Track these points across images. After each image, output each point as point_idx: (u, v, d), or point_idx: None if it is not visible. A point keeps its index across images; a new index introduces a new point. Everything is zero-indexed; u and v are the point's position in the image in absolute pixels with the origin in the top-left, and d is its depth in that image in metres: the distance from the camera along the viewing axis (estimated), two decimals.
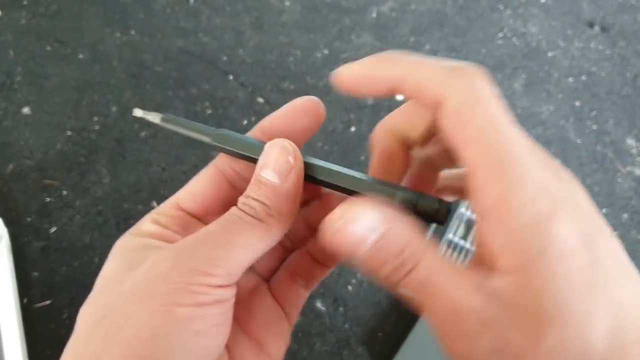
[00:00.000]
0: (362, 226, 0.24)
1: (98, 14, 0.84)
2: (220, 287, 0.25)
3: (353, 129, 0.80)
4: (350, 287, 0.70)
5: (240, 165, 0.29)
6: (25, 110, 0.77)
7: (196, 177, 0.29)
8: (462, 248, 0.72)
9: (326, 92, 0.82)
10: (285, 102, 0.81)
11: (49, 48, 0.81)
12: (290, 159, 0.26)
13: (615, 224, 0.76)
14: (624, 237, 0.75)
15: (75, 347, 0.25)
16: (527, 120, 0.82)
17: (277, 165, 0.26)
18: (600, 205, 0.77)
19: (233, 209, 0.26)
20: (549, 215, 0.21)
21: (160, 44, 0.83)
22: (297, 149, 0.27)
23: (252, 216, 0.26)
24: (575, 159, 0.80)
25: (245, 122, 0.78)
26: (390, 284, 0.25)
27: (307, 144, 0.71)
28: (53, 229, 0.70)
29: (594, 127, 0.83)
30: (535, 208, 0.21)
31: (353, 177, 0.27)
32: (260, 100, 0.80)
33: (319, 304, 0.68)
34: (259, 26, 0.86)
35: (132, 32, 0.83)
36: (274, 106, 0.80)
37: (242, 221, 0.26)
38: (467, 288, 0.22)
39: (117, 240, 0.27)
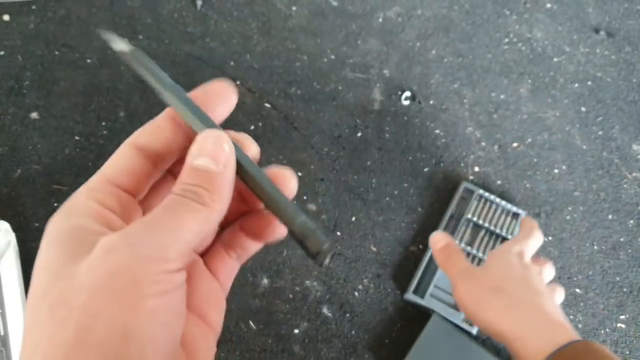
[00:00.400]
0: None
1: (106, 19, 0.85)
2: (178, 271, 0.25)
3: (359, 134, 0.80)
4: (356, 293, 0.70)
5: (160, 137, 0.30)
6: (34, 115, 0.77)
7: (114, 155, 0.29)
8: (468, 254, 0.72)
9: (332, 97, 0.83)
10: (292, 107, 0.81)
11: (57, 53, 0.81)
12: (226, 147, 0.28)
13: (622, 231, 0.76)
14: (630, 244, 0.75)
15: (37, 348, 0.24)
16: (532, 125, 0.83)
17: (215, 153, 0.28)
18: (606, 211, 0.77)
19: (173, 195, 0.27)
20: None
21: (168, 49, 0.83)
22: (229, 138, 0.28)
23: (195, 201, 0.26)
24: (581, 165, 0.80)
25: (252, 127, 0.79)
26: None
27: (315, 149, 0.71)
28: None
29: (600, 132, 0.83)
30: None
31: (263, 189, 0.29)
32: (267, 105, 0.80)
33: (325, 310, 0.69)
34: (266, 31, 0.87)
35: (140, 37, 0.84)
36: (280, 111, 0.80)
37: (186, 206, 0.26)
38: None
39: (50, 221, 0.27)
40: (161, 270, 0.24)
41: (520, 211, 0.74)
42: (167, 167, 0.32)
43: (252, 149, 0.31)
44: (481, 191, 0.75)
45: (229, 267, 0.32)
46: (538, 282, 0.55)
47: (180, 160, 0.30)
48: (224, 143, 0.28)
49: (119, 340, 0.23)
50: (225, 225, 0.33)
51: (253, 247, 0.32)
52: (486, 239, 0.74)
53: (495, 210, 0.75)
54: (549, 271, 0.58)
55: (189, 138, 0.30)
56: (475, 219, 0.74)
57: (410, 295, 0.69)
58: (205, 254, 0.32)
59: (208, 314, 0.29)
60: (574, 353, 0.46)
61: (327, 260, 0.29)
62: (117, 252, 0.24)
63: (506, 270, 0.56)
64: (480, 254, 0.72)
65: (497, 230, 0.73)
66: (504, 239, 0.73)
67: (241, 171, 0.29)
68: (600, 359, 0.45)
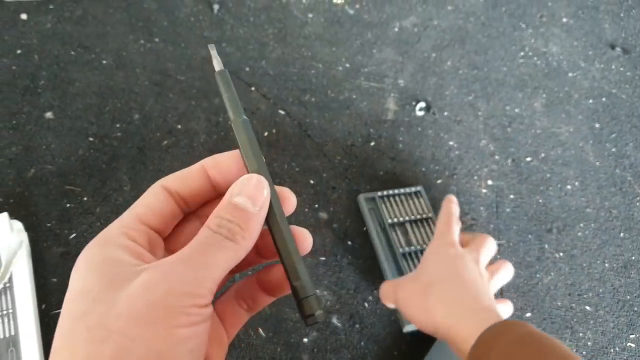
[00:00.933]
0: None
1: (122, 20, 0.85)
2: (206, 306, 0.28)
3: (372, 143, 0.80)
4: (366, 304, 0.70)
5: (190, 185, 0.33)
6: (49, 114, 0.77)
7: (146, 193, 0.32)
8: (410, 253, 0.72)
9: (346, 106, 0.83)
10: (306, 114, 0.82)
11: (73, 53, 0.81)
12: (265, 192, 0.31)
13: (633, 249, 0.76)
14: None
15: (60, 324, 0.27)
16: (546, 140, 0.82)
17: (255, 195, 0.31)
18: (618, 229, 0.77)
19: (207, 230, 0.30)
20: None
21: (184, 52, 0.83)
22: (269, 184, 0.32)
23: (228, 238, 0.29)
24: (594, 182, 0.80)
25: (266, 133, 0.79)
26: None
27: (328, 157, 0.71)
28: (73, 235, 0.70)
29: (614, 149, 0.83)
30: None
31: (283, 241, 0.32)
32: (282, 112, 0.80)
33: (335, 320, 0.69)
34: (282, 38, 0.87)
35: (156, 39, 0.84)
36: (294, 118, 0.80)
37: (218, 243, 0.29)
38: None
39: (85, 250, 0.29)
40: (192, 304, 0.27)
41: (418, 188, 0.76)
42: (191, 210, 0.35)
43: (291, 200, 0.34)
44: (379, 193, 0.75)
45: (238, 316, 0.35)
46: (470, 270, 0.58)
47: (205, 204, 0.35)
48: (264, 188, 0.31)
49: None
50: (235, 270, 0.36)
51: (264, 300, 0.35)
52: (416, 229, 0.74)
53: (403, 201, 0.75)
54: (502, 274, 0.61)
55: (216, 190, 0.34)
56: (395, 219, 0.74)
57: (410, 327, 0.69)
58: (217, 301, 0.35)
59: (211, 357, 0.32)
60: (494, 333, 0.49)
61: (315, 322, 0.32)
62: (156, 286, 0.27)
63: (437, 264, 0.60)
64: (420, 246, 0.73)
65: (419, 216, 0.75)
66: (428, 219, 0.75)
67: (270, 219, 0.32)
68: (519, 335, 0.47)
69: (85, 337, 0.26)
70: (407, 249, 0.72)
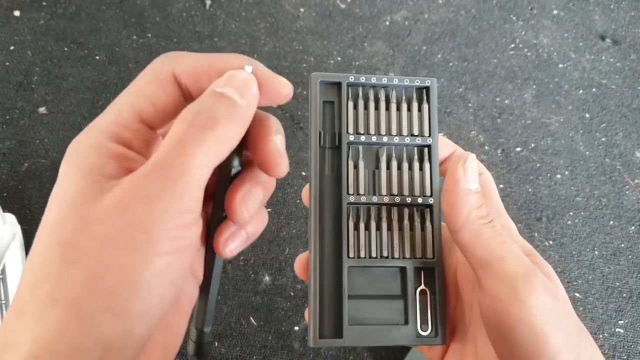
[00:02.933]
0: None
1: (115, 16, 0.86)
2: (193, 223, 0.25)
3: None
4: None
5: (199, 68, 0.28)
6: (42, 109, 0.78)
7: (150, 76, 0.28)
8: None
9: None
10: (298, 107, 0.82)
11: (66, 49, 0.82)
12: (255, 88, 0.27)
13: (622, 237, 0.76)
14: (631, 250, 0.76)
15: (44, 282, 0.23)
16: (536, 131, 0.83)
17: (243, 88, 0.27)
18: (607, 217, 0.78)
19: (182, 122, 0.25)
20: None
21: (176, 47, 0.84)
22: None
23: (207, 128, 0.25)
24: (584, 171, 0.81)
25: None
26: (474, 227, 0.33)
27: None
28: None
29: (603, 139, 0.83)
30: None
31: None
32: (273, 105, 0.81)
33: None
34: (274, 32, 0.87)
35: (149, 35, 0.85)
36: (286, 111, 0.81)
37: (195, 136, 0.25)
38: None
39: (75, 143, 0.26)
40: (177, 224, 0.24)
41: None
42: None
43: (284, 90, 0.29)
44: None
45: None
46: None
47: None
48: (254, 83, 0.27)
49: (128, 294, 0.23)
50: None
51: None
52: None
53: None
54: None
55: None
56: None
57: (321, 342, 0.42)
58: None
59: (197, 269, 0.30)
60: None
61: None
62: (131, 204, 0.23)
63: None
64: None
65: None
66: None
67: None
68: None
69: (56, 254, 0.24)
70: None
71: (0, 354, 0.24)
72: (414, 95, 0.42)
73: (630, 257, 0.75)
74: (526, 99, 0.86)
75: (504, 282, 0.32)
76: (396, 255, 0.40)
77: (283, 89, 0.30)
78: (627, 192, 0.80)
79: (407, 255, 0.41)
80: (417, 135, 0.42)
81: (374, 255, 0.40)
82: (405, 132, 0.42)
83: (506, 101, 0.85)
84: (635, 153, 0.82)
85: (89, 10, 0.86)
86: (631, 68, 0.90)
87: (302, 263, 0.41)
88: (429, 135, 0.42)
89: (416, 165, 0.42)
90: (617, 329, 0.71)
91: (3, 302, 0.63)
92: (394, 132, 0.42)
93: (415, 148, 0.42)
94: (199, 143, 0.25)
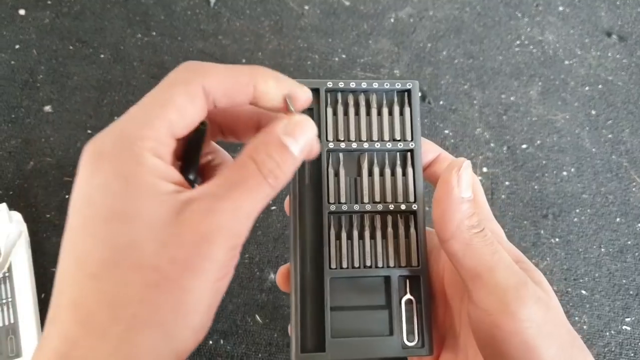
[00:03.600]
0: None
1: (120, 15, 0.86)
2: (240, 247, 0.28)
3: None
4: None
5: (227, 89, 0.30)
6: (47, 108, 0.78)
7: (181, 88, 0.28)
8: None
9: None
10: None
11: (71, 47, 0.82)
12: (316, 147, 0.31)
13: (629, 234, 0.76)
14: (637, 247, 0.75)
15: (127, 305, 0.25)
16: (542, 127, 0.83)
17: (306, 142, 0.29)
18: (614, 214, 0.77)
19: (251, 164, 0.28)
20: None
21: (181, 45, 0.84)
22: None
23: (267, 178, 0.28)
24: (590, 168, 0.80)
25: None
26: (464, 236, 0.32)
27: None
28: None
29: (610, 136, 0.83)
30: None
31: None
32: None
33: None
34: (278, 30, 0.87)
35: (153, 33, 0.85)
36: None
37: (259, 181, 0.28)
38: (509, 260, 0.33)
39: (120, 161, 0.27)
40: (234, 255, 0.28)
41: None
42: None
43: (303, 97, 0.33)
44: None
45: None
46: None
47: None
48: (314, 140, 0.31)
49: (201, 314, 0.27)
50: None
51: None
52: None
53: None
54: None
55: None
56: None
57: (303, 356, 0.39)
58: None
59: None
60: None
61: None
62: (209, 236, 0.26)
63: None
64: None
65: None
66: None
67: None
68: None
69: (138, 278, 0.25)
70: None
71: None
72: (395, 99, 0.42)
73: (637, 254, 0.75)
74: (532, 96, 0.85)
75: (495, 294, 0.31)
76: (380, 264, 0.39)
77: (307, 98, 0.33)
78: (633, 189, 0.79)
79: (392, 264, 0.39)
80: (399, 140, 0.41)
81: (356, 265, 0.39)
82: (386, 137, 0.41)
83: (512, 98, 0.85)
84: None
85: (94, 9, 0.86)
86: (637, 65, 0.89)
87: (284, 275, 0.41)
88: (411, 140, 0.41)
89: (399, 170, 0.41)
90: (624, 327, 0.71)
91: (10, 300, 0.63)
92: (375, 137, 0.41)
93: (398, 153, 0.41)
94: (260, 187, 0.28)
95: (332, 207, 0.39)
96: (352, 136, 0.40)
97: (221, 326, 0.67)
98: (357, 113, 0.41)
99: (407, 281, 0.39)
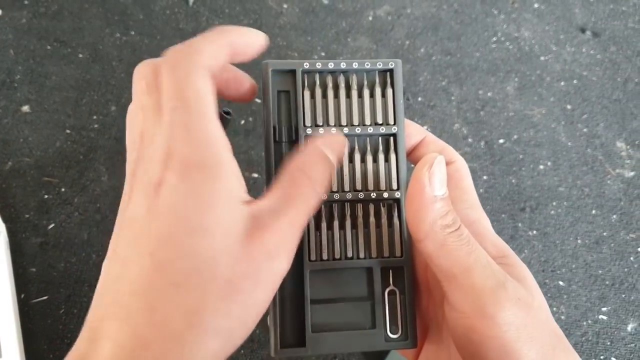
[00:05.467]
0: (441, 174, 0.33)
1: (98, 14, 0.85)
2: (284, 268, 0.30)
3: None
4: None
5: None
6: (25, 108, 0.78)
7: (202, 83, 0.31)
8: None
9: None
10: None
11: (49, 47, 0.82)
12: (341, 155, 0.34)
13: (605, 225, 0.77)
14: (613, 238, 0.77)
15: (203, 312, 0.26)
16: (519, 122, 0.84)
17: (340, 154, 0.32)
18: (589, 206, 0.79)
19: (302, 182, 0.30)
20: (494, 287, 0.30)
21: (160, 44, 0.84)
22: None
23: (311, 189, 0.30)
24: (566, 161, 0.82)
25: (242, 122, 0.79)
26: (437, 236, 0.32)
27: None
28: (51, 226, 0.71)
29: (585, 130, 0.84)
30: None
31: None
32: (258, 101, 0.81)
33: None
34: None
35: (132, 32, 0.85)
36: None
37: (307, 197, 0.30)
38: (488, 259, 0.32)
39: (198, 157, 0.28)
40: (282, 273, 0.29)
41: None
42: None
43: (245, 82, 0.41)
44: None
45: None
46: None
47: None
48: (344, 145, 0.34)
49: (252, 324, 0.28)
50: None
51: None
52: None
53: None
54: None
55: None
56: None
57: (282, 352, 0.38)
58: None
59: None
60: None
61: None
62: (275, 255, 0.29)
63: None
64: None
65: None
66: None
67: None
68: None
69: (216, 289, 0.27)
70: None
71: None
72: (377, 80, 0.40)
73: (612, 245, 0.76)
74: (508, 92, 0.87)
75: (471, 296, 0.30)
76: (362, 255, 0.38)
77: (260, 45, 0.38)
78: (608, 182, 0.81)
79: (374, 254, 0.38)
80: (381, 124, 0.39)
81: (337, 256, 0.38)
82: (368, 121, 0.39)
83: (489, 94, 0.86)
84: (616, 143, 0.84)
85: (72, 8, 0.86)
86: (611, 60, 0.91)
87: None
88: (394, 124, 0.39)
89: (381, 157, 0.39)
90: (600, 316, 0.72)
91: None
92: (355, 121, 0.39)
93: (380, 138, 0.39)
94: (312, 201, 0.30)
95: None
96: (332, 121, 0.38)
97: None
98: (336, 96, 0.39)
99: (391, 272, 0.38)
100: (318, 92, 0.39)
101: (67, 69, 0.81)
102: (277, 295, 0.36)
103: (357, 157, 0.39)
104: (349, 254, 0.38)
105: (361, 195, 0.38)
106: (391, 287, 0.38)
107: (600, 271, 0.75)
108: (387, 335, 0.37)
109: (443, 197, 0.32)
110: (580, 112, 0.86)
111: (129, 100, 0.79)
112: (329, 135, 0.32)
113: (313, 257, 0.37)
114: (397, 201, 0.39)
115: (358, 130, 0.39)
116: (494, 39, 0.91)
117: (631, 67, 0.90)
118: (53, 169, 0.74)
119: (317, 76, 0.39)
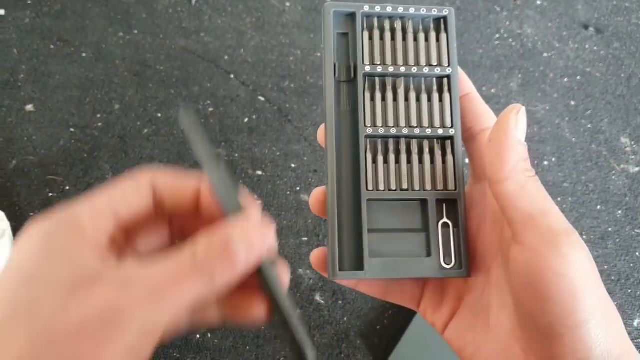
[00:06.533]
0: None
1: (101, 13, 0.85)
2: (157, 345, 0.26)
3: None
4: None
5: (182, 197, 0.30)
6: (29, 107, 0.78)
7: (130, 181, 0.29)
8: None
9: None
10: (286, 100, 0.82)
11: (52, 47, 0.82)
12: (266, 248, 0.28)
13: (610, 221, 0.77)
14: (618, 233, 0.76)
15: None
16: None
17: (256, 249, 0.27)
18: (594, 202, 0.79)
19: (190, 256, 0.26)
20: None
21: (163, 43, 0.84)
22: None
23: (206, 275, 0.26)
24: (571, 157, 0.81)
25: (246, 119, 0.79)
26: None
27: (308, 141, 0.70)
28: None
29: (589, 125, 0.84)
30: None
31: (278, 304, 0.28)
32: (261, 98, 0.81)
33: (318, 297, 0.70)
34: (260, 26, 0.88)
35: (135, 31, 0.85)
36: (274, 104, 0.81)
37: (194, 276, 0.26)
38: None
39: (44, 225, 0.26)
40: (149, 345, 0.25)
41: None
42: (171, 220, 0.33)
43: (285, 278, 0.30)
44: None
45: None
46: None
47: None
48: (267, 242, 0.28)
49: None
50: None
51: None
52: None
53: None
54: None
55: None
56: None
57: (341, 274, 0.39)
58: None
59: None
60: None
61: None
62: (117, 316, 0.24)
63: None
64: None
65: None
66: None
67: (262, 276, 0.28)
68: None
69: (25, 334, 0.24)
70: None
71: None
72: (431, 26, 0.41)
73: (618, 240, 0.76)
74: (512, 88, 0.87)
75: (548, 236, 0.31)
76: (416, 187, 0.39)
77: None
78: (613, 177, 0.81)
79: (428, 187, 0.39)
80: (435, 66, 0.40)
81: (393, 187, 0.39)
82: (423, 62, 0.40)
83: (492, 90, 0.86)
84: (620, 139, 0.83)
85: (75, 8, 0.86)
86: (614, 56, 0.91)
87: (319, 197, 0.40)
88: (448, 65, 0.40)
89: (435, 96, 0.40)
90: None
91: None
92: (411, 62, 0.40)
93: (435, 79, 0.41)
94: (196, 283, 0.26)
95: (369, 131, 0.39)
96: (389, 60, 0.40)
97: None
98: (393, 38, 0.40)
99: (444, 205, 0.39)
100: (376, 34, 0.40)
101: (71, 68, 0.81)
102: (334, 222, 0.37)
103: (413, 95, 0.40)
104: (404, 186, 0.39)
105: (416, 131, 0.39)
106: (444, 219, 0.39)
107: (605, 267, 0.75)
108: (442, 264, 0.38)
109: (524, 144, 0.34)
110: (584, 108, 0.86)
111: (132, 98, 0.79)
112: (252, 223, 0.28)
113: (370, 187, 0.38)
114: (451, 138, 0.39)
115: (414, 70, 0.40)
116: (497, 36, 0.91)
117: (635, 63, 0.90)
118: (57, 167, 0.74)
119: (375, 20, 0.40)
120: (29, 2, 0.85)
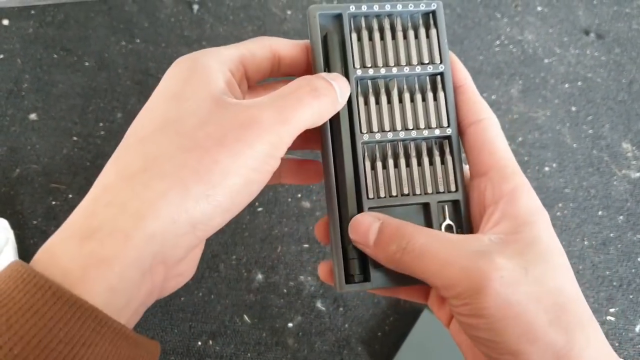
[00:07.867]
0: (366, 223, 0.35)
1: (104, 23, 0.86)
2: (277, 159, 0.32)
3: None
4: None
5: (296, 58, 0.39)
6: (32, 116, 0.78)
7: (255, 44, 0.37)
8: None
9: None
10: None
11: (55, 56, 0.83)
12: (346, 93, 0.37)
13: (611, 226, 0.77)
14: (620, 239, 0.76)
15: (158, 157, 0.29)
16: (523, 125, 0.84)
17: (346, 88, 0.37)
18: (596, 208, 0.79)
19: (299, 83, 0.33)
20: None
21: (165, 52, 0.85)
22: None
23: (321, 95, 0.33)
24: (572, 163, 0.81)
25: None
26: (396, 260, 0.33)
27: (309, 149, 0.71)
28: None
29: (590, 131, 0.84)
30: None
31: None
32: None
33: (319, 304, 0.70)
34: (262, 34, 0.88)
35: (137, 40, 0.85)
36: None
37: (305, 98, 0.32)
38: (453, 251, 0.32)
39: (199, 62, 0.34)
40: (269, 154, 0.31)
41: None
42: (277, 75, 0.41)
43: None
44: None
45: None
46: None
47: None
48: (348, 90, 0.37)
49: (223, 189, 0.30)
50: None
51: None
52: None
53: None
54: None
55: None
56: None
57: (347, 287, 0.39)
58: None
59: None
60: None
61: (351, 283, 0.39)
62: (247, 126, 0.30)
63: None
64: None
65: None
66: None
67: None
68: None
69: (174, 141, 0.30)
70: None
71: (109, 208, 0.29)
72: (420, 21, 0.41)
73: (619, 246, 0.76)
74: (513, 94, 0.87)
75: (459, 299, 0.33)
76: (417, 191, 0.39)
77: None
78: (614, 183, 0.80)
79: (429, 190, 0.39)
80: (427, 64, 0.40)
81: (394, 194, 0.39)
82: (414, 61, 0.40)
83: (493, 97, 0.86)
84: (621, 144, 0.83)
85: (78, 17, 0.86)
86: (615, 61, 0.91)
87: (321, 227, 0.42)
88: (440, 62, 0.40)
89: (430, 95, 0.40)
90: (608, 317, 0.72)
91: None
92: (402, 62, 0.40)
93: (427, 77, 0.40)
94: (305, 102, 0.32)
95: (366, 137, 0.39)
96: (380, 62, 0.40)
97: (209, 327, 0.68)
98: (382, 38, 0.40)
99: (446, 207, 0.39)
100: (364, 34, 0.40)
101: (74, 77, 0.82)
102: (337, 234, 0.38)
103: (407, 96, 0.40)
104: (405, 191, 0.39)
105: (413, 133, 0.39)
106: (448, 221, 0.39)
107: (607, 272, 0.74)
108: None
109: None
110: (585, 114, 0.86)
111: (134, 107, 0.80)
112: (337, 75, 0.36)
113: (371, 195, 0.39)
114: (448, 138, 0.40)
115: (406, 70, 0.40)
116: (497, 42, 0.92)
117: (636, 68, 0.90)
118: (60, 176, 0.75)
119: (362, 19, 0.40)
120: (33, 12, 0.86)
